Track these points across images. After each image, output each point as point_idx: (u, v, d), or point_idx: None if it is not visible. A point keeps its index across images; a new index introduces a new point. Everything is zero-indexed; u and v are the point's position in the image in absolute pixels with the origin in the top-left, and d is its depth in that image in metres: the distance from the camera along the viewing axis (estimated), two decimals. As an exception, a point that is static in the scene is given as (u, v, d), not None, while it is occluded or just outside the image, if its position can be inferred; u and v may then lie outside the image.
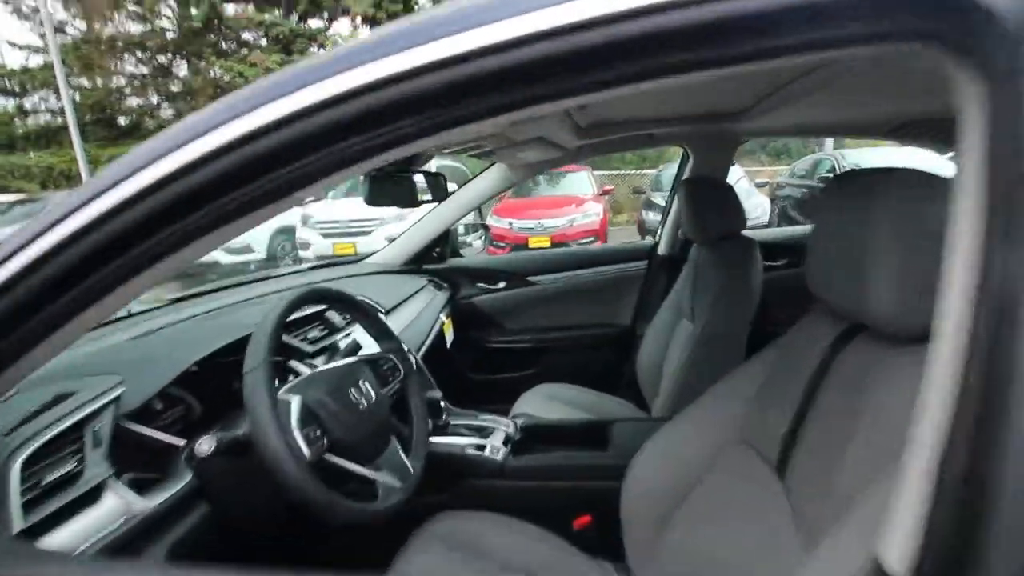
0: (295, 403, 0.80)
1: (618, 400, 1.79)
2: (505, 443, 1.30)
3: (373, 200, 1.11)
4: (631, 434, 1.28)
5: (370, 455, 0.90)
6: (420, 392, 1.10)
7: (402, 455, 0.97)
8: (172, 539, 0.75)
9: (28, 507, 0.63)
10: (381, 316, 1.48)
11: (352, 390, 0.90)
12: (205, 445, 0.73)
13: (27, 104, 14.96)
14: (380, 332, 1.07)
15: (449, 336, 1.92)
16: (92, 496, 0.69)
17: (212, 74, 14.39)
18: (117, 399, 0.78)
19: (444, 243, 2.09)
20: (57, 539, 0.63)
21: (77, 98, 13.11)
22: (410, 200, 1.34)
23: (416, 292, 1.85)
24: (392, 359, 1.06)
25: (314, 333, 1.23)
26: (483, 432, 1.34)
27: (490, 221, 6.89)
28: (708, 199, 1.45)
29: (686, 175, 1.91)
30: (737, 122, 1.54)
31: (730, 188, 1.45)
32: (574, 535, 1.09)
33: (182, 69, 15.85)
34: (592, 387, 1.82)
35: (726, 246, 1.41)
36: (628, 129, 1.58)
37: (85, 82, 14.63)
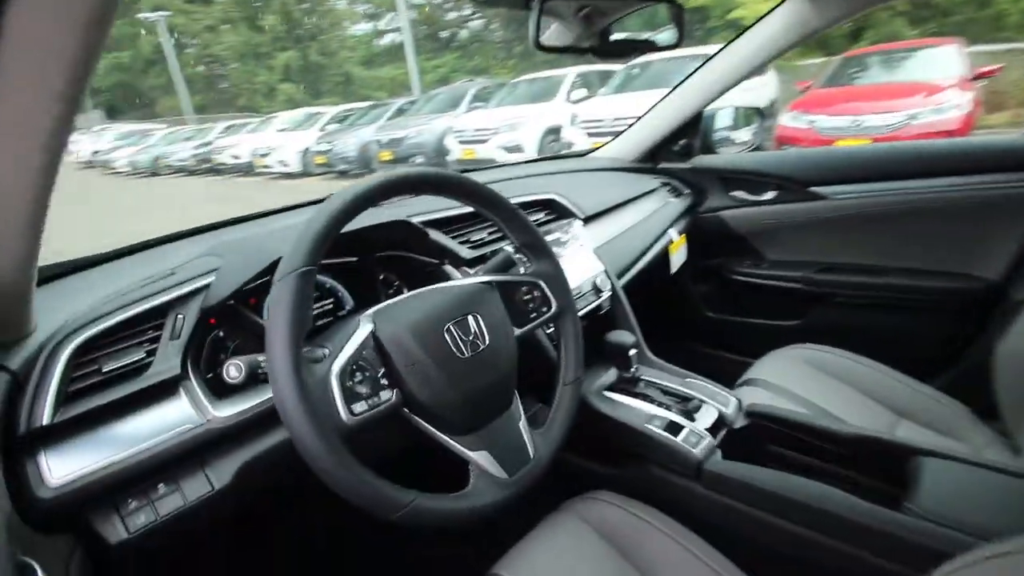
0: (359, 335, 0.56)
1: (937, 397, 1.07)
2: (713, 429, 0.88)
3: (539, 45, 0.73)
4: (970, 489, 0.69)
5: (464, 424, 0.61)
6: (579, 340, 0.75)
7: (523, 429, 0.66)
8: (248, 455, 0.65)
9: (81, 395, 0.56)
10: (572, 224, 1.14)
11: (452, 327, 0.62)
12: (234, 369, 0.56)
13: (380, 25, 18.72)
14: (528, 244, 0.74)
15: (677, 259, 1.46)
16: (157, 394, 0.60)
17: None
18: (207, 286, 0.67)
19: (693, 133, 1.55)
20: (104, 436, 0.56)
21: (414, 16, 15.75)
22: (636, 46, 0.92)
23: (640, 196, 1.43)
24: (542, 287, 0.73)
25: (479, 235, 0.98)
26: (685, 405, 0.93)
27: (784, 120, 5.37)
28: None
29: None
30: None
31: None
32: None
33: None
34: (891, 365, 1.14)
35: None
36: None
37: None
